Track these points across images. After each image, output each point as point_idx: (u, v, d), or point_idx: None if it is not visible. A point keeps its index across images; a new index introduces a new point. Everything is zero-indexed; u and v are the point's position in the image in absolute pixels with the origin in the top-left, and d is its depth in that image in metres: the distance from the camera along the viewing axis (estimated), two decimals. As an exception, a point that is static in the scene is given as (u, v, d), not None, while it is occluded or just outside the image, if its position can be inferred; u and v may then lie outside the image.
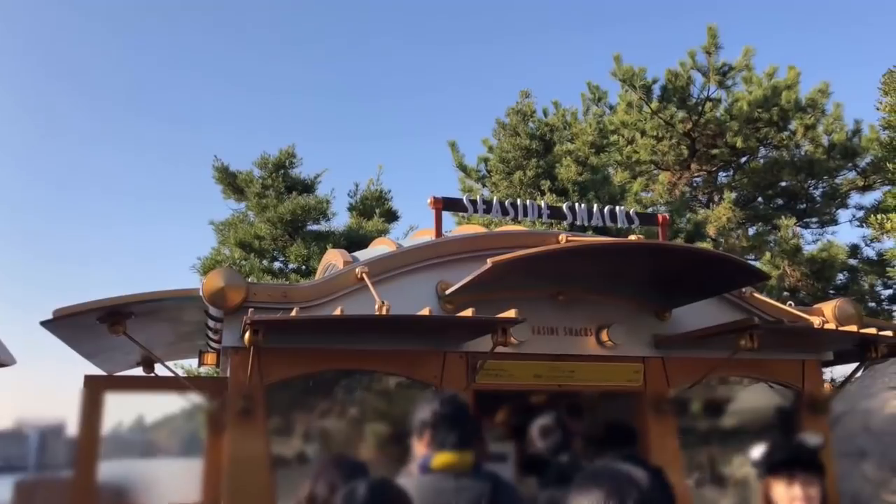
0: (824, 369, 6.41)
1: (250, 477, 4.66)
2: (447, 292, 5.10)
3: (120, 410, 6.43)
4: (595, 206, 5.99)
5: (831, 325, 5.27)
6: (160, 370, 6.77)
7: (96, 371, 6.64)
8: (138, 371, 6.89)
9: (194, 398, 6.32)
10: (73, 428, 6.40)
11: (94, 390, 5.83)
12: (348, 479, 2.26)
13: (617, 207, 6.10)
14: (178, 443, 7.15)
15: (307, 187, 14.53)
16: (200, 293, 4.71)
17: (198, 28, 44.51)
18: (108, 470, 6.26)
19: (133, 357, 6.58)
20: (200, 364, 6.39)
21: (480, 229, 6.91)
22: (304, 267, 12.36)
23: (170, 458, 7.11)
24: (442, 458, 2.67)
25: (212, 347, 5.96)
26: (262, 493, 4.65)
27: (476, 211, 5.72)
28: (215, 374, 8.45)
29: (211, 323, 5.19)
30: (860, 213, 16.44)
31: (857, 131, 16.07)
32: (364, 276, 4.99)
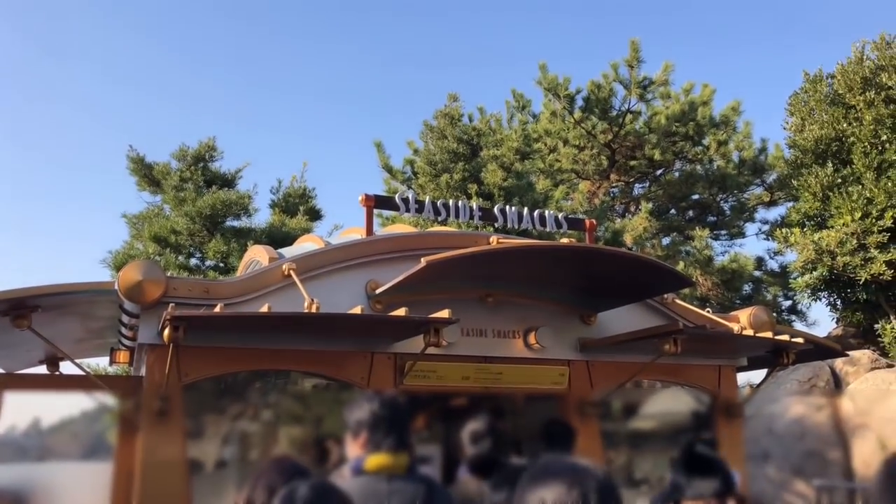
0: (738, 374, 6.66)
1: (165, 481, 4.44)
2: (377, 291, 5.02)
3: (14, 413, 6.03)
4: (525, 209, 6.03)
5: (749, 332, 5.48)
6: (66, 369, 6.39)
7: (-4, 369, 6.22)
8: (41, 369, 6.49)
9: (101, 398, 5.97)
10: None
11: (-7, 389, 5.42)
12: (289, 482, 2.18)
13: (546, 211, 6.16)
14: (79, 446, 6.75)
15: (227, 181, 14.04)
16: (116, 287, 4.46)
17: (113, 15, 42.61)
18: (1, 474, 5.87)
19: (36, 354, 6.19)
20: (112, 362, 6.06)
21: (410, 229, 6.86)
22: (222, 264, 11.94)
23: (69, 463, 6.70)
24: (377, 460, 2.59)
25: (125, 345, 5.66)
26: (178, 498, 4.43)
27: (408, 210, 5.66)
28: (126, 373, 8.05)
29: (125, 318, 4.92)
30: (766, 227, 17.31)
31: (763, 149, 16.91)
32: (291, 272, 4.85)
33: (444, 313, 4.24)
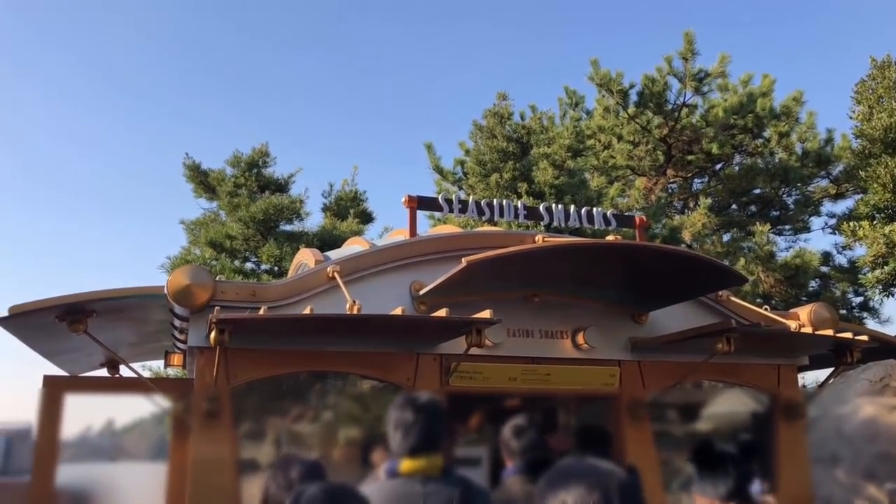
0: (799, 374, 6.40)
1: (215, 481, 4.50)
2: (421, 293, 4.99)
3: (89, 414, 6.25)
4: (572, 207, 5.91)
5: (807, 329, 5.24)
6: (125, 371, 6.58)
7: (61, 372, 6.43)
8: (102, 372, 6.70)
9: (161, 400, 6.13)
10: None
11: (54, 391, 5.61)
12: (305, 479, 2.22)
13: (594, 209, 6.03)
14: (147, 447, 6.96)
15: (280, 187, 14.32)
16: (165, 291, 4.56)
17: (172, 20, 44.22)
18: (74, 474, 6.06)
19: (96, 357, 6.38)
20: (167, 365, 6.20)
21: (456, 230, 6.81)
22: (276, 268, 12.16)
23: (138, 463, 6.91)
24: (411, 462, 2.57)
25: (178, 348, 5.79)
26: (227, 497, 4.49)
27: (451, 210, 5.62)
28: (182, 376, 8.25)
29: (177, 322, 5.02)
30: (832, 221, 16.62)
31: (829, 140, 16.23)
32: (335, 275, 4.86)
33: (486, 313, 4.18)
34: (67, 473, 5.92)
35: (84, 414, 6.20)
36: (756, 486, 2.24)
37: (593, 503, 1.19)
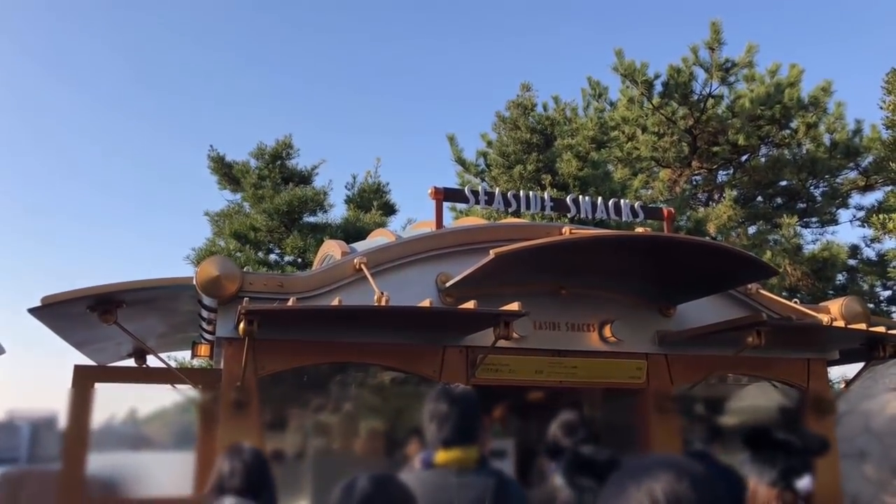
0: (829, 369, 6.31)
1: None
2: (447, 285, 4.98)
3: (113, 403, 6.33)
4: (599, 199, 5.86)
5: (839, 323, 5.16)
6: (152, 361, 6.65)
7: (89, 361, 6.51)
8: (130, 362, 6.77)
9: (187, 390, 6.19)
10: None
11: (84, 381, 5.69)
12: (252, 467, 2.60)
13: (621, 201, 5.98)
14: (171, 436, 7.04)
15: (304, 178, 14.38)
16: (194, 282, 4.59)
17: (195, 10, 44.49)
18: (99, 462, 6.14)
19: (125, 347, 6.45)
20: (194, 356, 6.25)
21: (481, 221, 6.79)
22: (300, 259, 12.23)
23: (162, 452, 6.99)
24: (446, 454, 2.57)
25: (205, 339, 5.83)
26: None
27: (477, 202, 5.60)
28: (209, 366, 8.32)
29: (205, 313, 5.06)
30: (861, 213, 16.34)
31: (858, 131, 15.92)
32: (362, 266, 4.86)
33: (514, 306, 4.16)
34: (96, 462, 6.01)
35: (112, 403, 6.28)
36: (806, 482, 2.20)
37: (684, 490, 1.18)
